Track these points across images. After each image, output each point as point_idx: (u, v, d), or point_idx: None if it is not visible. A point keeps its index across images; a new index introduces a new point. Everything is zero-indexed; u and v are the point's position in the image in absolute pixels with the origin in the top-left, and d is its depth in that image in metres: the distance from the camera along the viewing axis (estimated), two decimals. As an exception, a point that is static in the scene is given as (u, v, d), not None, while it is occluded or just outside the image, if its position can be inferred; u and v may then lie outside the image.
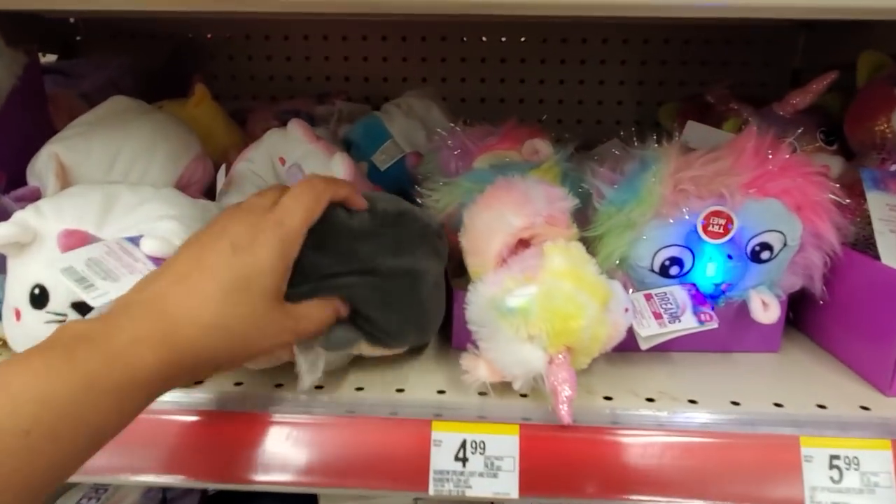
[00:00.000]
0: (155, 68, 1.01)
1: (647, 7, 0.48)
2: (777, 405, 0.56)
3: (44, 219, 0.54)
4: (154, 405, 0.50)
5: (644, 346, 0.58)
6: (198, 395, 0.56)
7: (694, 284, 0.60)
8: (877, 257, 0.58)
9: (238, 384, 0.58)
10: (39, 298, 0.53)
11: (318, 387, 0.58)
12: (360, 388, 0.58)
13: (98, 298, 0.48)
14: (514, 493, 0.50)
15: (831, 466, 0.50)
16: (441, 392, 0.57)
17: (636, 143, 0.62)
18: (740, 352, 0.65)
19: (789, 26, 1.04)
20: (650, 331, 0.58)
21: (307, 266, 0.49)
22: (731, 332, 0.63)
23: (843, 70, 0.72)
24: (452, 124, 0.75)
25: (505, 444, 0.51)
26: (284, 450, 0.52)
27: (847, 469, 0.49)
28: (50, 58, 0.99)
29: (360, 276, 0.51)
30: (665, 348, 0.60)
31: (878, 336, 0.57)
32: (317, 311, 0.49)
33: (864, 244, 0.61)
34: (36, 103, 0.74)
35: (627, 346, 0.56)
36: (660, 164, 0.57)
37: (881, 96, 0.67)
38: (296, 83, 1.10)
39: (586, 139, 0.77)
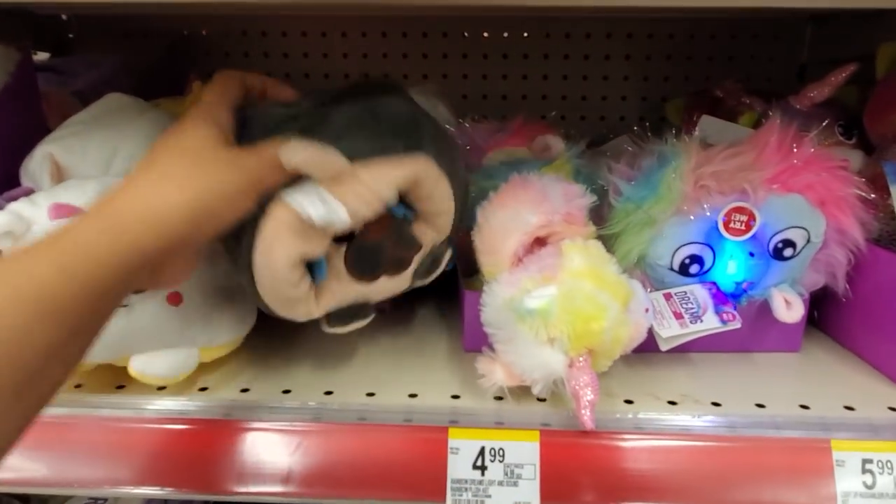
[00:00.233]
0: (150, 66, 0.98)
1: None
2: (803, 407, 0.54)
3: (38, 209, 0.52)
4: (156, 413, 0.48)
5: (664, 347, 0.56)
6: (200, 403, 0.54)
7: (714, 283, 0.58)
8: (902, 253, 0.56)
9: (245, 391, 0.56)
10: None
11: (328, 392, 0.56)
12: (371, 394, 0.56)
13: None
14: (536, 502, 0.48)
15: (864, 471, 0.48)
16: (455, 397, 0.55)
17: (650, 139, 0.60)
18: (760, 352, 0.63)
19: (796, 20, 1.03)
20: (671, 332, 0.56)
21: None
22: (752, 331, 0.61)
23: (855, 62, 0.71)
24: (461, 121, 0.73)
25: (525, 451, 0.49)
26: (294, 460, 0.50)
27: (881, 473, 0.48)
28: (42, 56, 0.97)
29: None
30: (683, 349, 0.58)
31: (904, 334, 0.56)
32: (270, 145, 0.45)
33: (888, 240, 0.59)
34: (29, 102, 0.71)
35: (645, 347, 0.54)
36: (680, 159, 0.55)
37: (903, 88, 0.66)
38: (294, 80, 1.08)
39: (590, 136, 0.75)
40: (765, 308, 0.60)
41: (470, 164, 0.68)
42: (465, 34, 1.06)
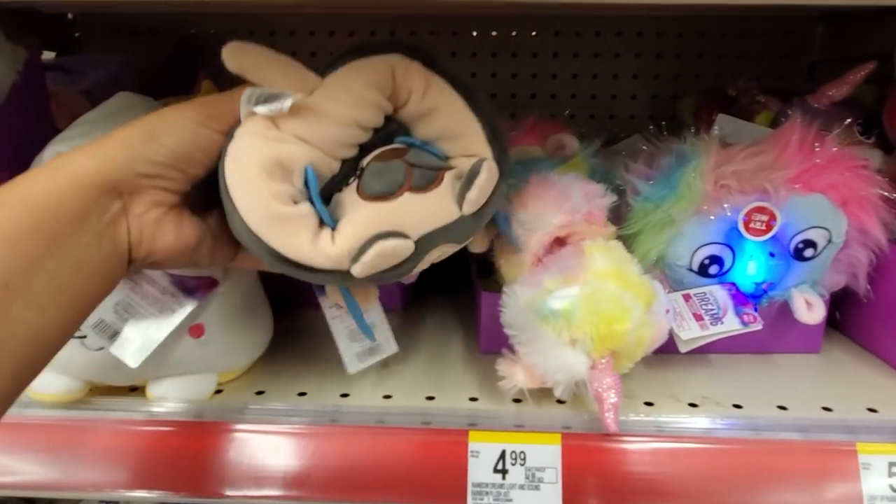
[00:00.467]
0: (157, 65, 0.97)
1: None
2: (826, 409, 0.53)
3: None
4: (170, 416, 0.47)
5: (684, 349, 0.56)
6: (215, 406, 0.53)
7: (734, 284, 0.58)
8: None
9: (260, 393, 0.55)
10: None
11: (344, 395, 0.55)
12: (387, 396, 0.55)
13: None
14: (558, 507, 0.47)
15: (890, 474, 0.47)
16: (473, 399, 0.55)
17: (665, 138, 0.60)
18: (779, 353, 0.63)
19: (807, 18, 1.02)
20: (691, 333, 0.55)
21: None
22: (771, 332, 0.60)
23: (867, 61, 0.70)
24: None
25: (546, 455, 0.48)
26: (311, 463, 0.49)
27: (908, 476, 0.47)
28: (48, 55, 0.96)
29: None
30: (701, 350, 0.58)
31: (926, 336, 0.55)
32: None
33: (909, 240, 0.58)
34: (37, 100, 0.70)
35: (663, 349, 0.53)
36: (699, 158, 0.55)
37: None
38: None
39: (601, 135, 0.74)
40: (784, 309, 0.59)
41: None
42: (474, 33, 1.05)
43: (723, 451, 0.49)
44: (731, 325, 0.55)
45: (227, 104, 0.41)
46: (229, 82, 0.43)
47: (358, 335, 0.55)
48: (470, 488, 0.48)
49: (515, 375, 0.50)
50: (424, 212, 0.42)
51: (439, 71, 0.43)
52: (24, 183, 0.35)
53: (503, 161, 0.44)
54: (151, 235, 0.39)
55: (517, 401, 0.53)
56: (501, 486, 0.48)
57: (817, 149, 0.54)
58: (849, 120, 0.58)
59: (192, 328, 0.53)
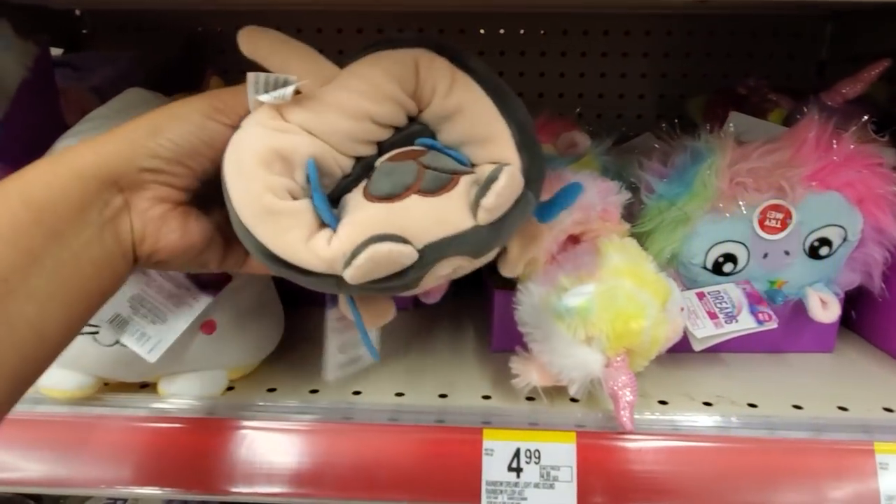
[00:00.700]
0: (165, 62, 0.97)
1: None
2: (842, 409, 0.53)
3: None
4: (181, 413, 0.47)
5: (698, 347, 0.55)
6: (227, 402, 0.53)
7: (748, 282, 0.57)
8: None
9: (271, 390, 0.55)
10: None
11: (356, 392, 0.55)
12: (400, 394, 0.55)
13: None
14: (573, 506, 0.47)
15: (908, 474, 0.47)
16: (487, 397, 0.54)
17: (678, 136, 0.59)
18: (793, 352, 0.62)
19: (815, 17, 1.02)
20: (705, 332, 0.55)
21: None
22: (785, 331, 0.60)
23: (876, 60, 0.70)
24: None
25: (561, 453, 0.48)
26: (323, 461, 0.49)
27: (926, 477, 0.47)
28: (55, 52, 0.96)
29: None
30: (714, 349, 0.57)
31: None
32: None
33: (925, 239, 0.58)
34: (47, 96, 0.70)
35: (676, 348, 0.53)
36: (715, 155, 0.54)
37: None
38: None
39: (609, 133, 0.74)
40: (798, 308, 0.59)
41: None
42: (482, 31, 1.05)
43: (738, 451, 0.48)
44: (746, 323, 0.54)
45: (235, 97, 0.40)
46: (236, 80, 0.42)
47: (348, 347, 0.54)
48: (484, 486, 0.48)
49: (529, 373, 0.50)
50: (431, 217, 0.37)
51: (469, 69, 0.40)
52: (25, 176, 0.35)
53: (533, 172, 0.40)
54: (155, 232, 0.38)
55: (530, 399, 0.53)
56: (516, 484, 0.48)
57: (834, 146, 0.54)
58: (865, 118, 0.57)
59: (204, 324, 0.52)
